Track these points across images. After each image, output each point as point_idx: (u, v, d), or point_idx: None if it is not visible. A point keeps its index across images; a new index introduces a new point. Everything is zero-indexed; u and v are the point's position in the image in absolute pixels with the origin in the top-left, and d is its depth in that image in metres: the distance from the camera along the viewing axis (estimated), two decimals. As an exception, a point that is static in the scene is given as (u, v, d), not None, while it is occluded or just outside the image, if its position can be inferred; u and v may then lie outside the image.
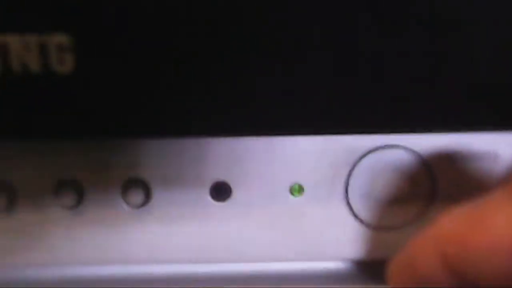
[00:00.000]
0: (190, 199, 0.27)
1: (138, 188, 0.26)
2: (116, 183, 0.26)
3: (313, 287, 0.28)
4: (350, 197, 0.27)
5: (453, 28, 0.21)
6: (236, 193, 0.27)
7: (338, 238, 0.28)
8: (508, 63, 0.21)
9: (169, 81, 0.21)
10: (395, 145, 0.26)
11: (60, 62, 0.20)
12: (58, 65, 0.20)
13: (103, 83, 0.21)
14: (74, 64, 0.20)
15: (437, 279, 0.20)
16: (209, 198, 0.27)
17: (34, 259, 0.27)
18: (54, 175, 0.26)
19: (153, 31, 0.20)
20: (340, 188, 0.27)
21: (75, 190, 0.26)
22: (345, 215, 0.27)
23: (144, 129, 0.22)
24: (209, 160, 0.26)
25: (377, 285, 0.26)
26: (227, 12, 0.20)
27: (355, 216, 0.27)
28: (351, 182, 0.27)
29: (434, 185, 0.27)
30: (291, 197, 0.27)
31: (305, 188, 0.27)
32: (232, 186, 0.27)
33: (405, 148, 0.26)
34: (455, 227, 0.19)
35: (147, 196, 0.27)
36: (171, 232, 0.27)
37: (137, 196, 0.26)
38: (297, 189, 0.27)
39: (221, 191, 0.27)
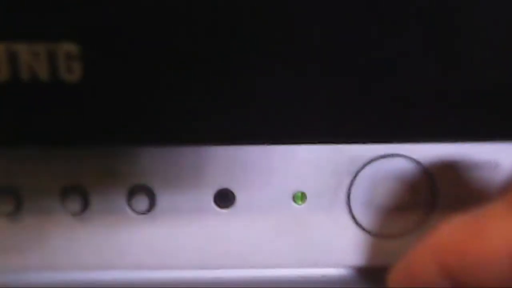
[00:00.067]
0: (194, 206, 0.27)
1: (143, 194, 0.26)
2: (122, 190, 0.26)
3: (315, 293, 0.28)
4: (352, 205, 0.27)
5: (454, 39, 0.21)
6: (239, 200, 0.27)
7: (340, 246, 0.28)
8: (509, 72, 0.21)
9: (174, 90, 0.21)
10: (396, 154, 0.26)
11: (68, 70, 0.20)
12: (66, 74, 0.20)
13: (110, 91, 0.21)
14: (82, 73, 0.20)
15: (436, 287, 0.20)
16: (213, 205, 0.27)
17: (39, 264, 0.27)
18: (60, 181, 0.26)
19: (161, 41, 0.20)
20: (342, 196, 0.27)
21: (80, 196, 0.26)
22: (347, 223, 0.27)
23: (150, 137, 0.22)
24: (213, 167, 0.26)
25: (378, 292, 0.26)
26: (236, 22, 0.20)
27: (357, 224, 0.27)
28: (353, 190, 0.27)
29: (435, 194, 0.27)
30: (294, 204, 0.27)
31: (307, 196, 0.27)
32: (235, 193, 0.27)
33: (406, 157, 0.26)
34: (455, 236, 0.19)
35: (152, 202, 0.27)
36: (175, 238, 0.27)
37: (142, 203, 0.26)
38: (300, 197, 0.27)
39: (225, 198, 0.27)
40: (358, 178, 0.27)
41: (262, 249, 0.28)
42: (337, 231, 0.28)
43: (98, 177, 0.26)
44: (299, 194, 0.27)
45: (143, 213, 0.27)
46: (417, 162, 0.27)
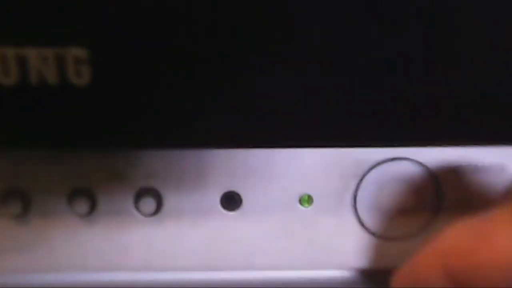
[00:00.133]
0: (201, 208, 0.27)
1: (150, 197, 0.26)
2: (129, 192, 0.27)
3: (321, 295, 0.28)
4: (358, 208, 0.27)
5: (460, 43, 0.21)
6: (246, 203, 0.27)
7: (346, 248, 0.28)
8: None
9: (182, 94, 0.21)
10: (402, 157, 0.26)
11: (77, 74, 0.20)
12: (75, 78, 0.20)
13: (119, 95, 0.21)
14: (91, 77, 0.20)
15: (441, 290, 0.20)
16: (219, 207, 0.27)
17: (47, 266, 0.28)
18: (68, 184, 0.26)
19: (169, 45, 0.20)
20: (349, 199, 0.27)
21: (88, 198, 0.26)
22: (353, 226, 0.27)
23: (157, 141, 0.22)
24: (220, 170, 0.26)
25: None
26: (243, 28, 0.20)
27: (363, 226, 0.28)
28: (359, 193, 0.27)
29: (440, 197, 0.27)
30: (300, 207, 0.27)
31: (314, 198, 0.27)
32: (242, 196, 0.27)
33: (412, 160, 0.27)
34: (460, 240, 0.19)
35: (159, 205, 0.27)
36: (182, 240, 0.27)
37: (149, 205, 0.26)
38: (306, 200, 0.27)
39: (231, 201, 0.27)
40: (364, 181, 0.27)
41: (269, 252, 0.28)
42: (343, 234, 0.28)
43: (106, 179, 0.26)
44: (306, 197, 0.27)
45: (150, 216, 0.27)
46: (423, 166, 0.27)
